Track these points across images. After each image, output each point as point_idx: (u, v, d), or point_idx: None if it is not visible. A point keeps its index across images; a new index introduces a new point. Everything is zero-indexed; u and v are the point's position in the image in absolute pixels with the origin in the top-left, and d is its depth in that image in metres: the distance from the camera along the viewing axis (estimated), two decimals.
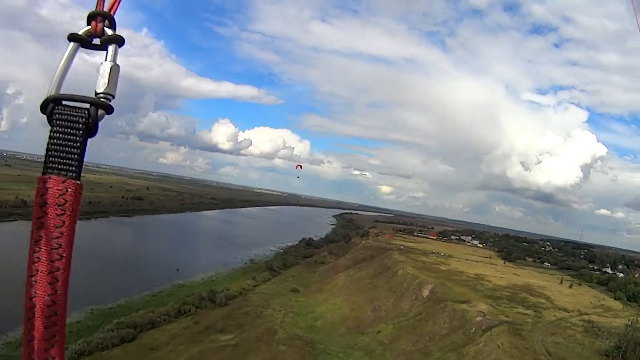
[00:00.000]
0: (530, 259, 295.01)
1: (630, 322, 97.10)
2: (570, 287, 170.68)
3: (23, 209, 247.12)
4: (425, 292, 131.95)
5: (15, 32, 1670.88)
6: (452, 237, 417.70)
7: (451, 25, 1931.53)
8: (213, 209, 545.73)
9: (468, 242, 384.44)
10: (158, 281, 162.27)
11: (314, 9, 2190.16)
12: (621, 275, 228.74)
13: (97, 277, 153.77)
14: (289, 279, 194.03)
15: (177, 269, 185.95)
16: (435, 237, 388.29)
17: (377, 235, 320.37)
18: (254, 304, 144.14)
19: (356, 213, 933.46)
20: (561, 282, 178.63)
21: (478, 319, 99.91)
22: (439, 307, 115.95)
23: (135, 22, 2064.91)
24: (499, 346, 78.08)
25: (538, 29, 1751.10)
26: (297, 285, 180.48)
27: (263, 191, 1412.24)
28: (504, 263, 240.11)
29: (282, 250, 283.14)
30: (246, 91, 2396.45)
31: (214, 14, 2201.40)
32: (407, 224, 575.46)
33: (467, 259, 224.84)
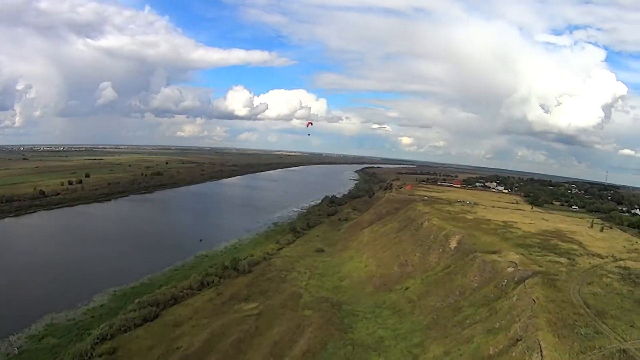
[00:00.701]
0: (558, 203, 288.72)
1: None
2: (602, 230, 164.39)
3: (42, 200, 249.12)
4: (453, 244, 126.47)
5: (18, 28, 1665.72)
6: (477, 184, 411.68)
7: None
8: (234, 176, 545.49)
9: (493, 189, 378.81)
10: (180, 254, 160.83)
11: None
12: None
13: (118, 258, 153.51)
14: (313, 239, 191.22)
15: (200, 240, 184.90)
16: (459, 186, 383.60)
17: (400, 188, 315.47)
18: (278, 269, 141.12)
19: (378, 167, 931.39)
20: (592, 226, 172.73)
21: (510, 270, 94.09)
22: (468, 259, 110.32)
23: (136, 1, 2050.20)
24: (534, 300, 72.72)
25: None
26: (322, 245, 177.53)
27: (283, 153, 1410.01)
28: (532, 208, 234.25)
29: (305, 211, 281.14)
30: (257, 56, 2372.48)
31: None
32: (430, 174, 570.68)
33: (493, 206, 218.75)
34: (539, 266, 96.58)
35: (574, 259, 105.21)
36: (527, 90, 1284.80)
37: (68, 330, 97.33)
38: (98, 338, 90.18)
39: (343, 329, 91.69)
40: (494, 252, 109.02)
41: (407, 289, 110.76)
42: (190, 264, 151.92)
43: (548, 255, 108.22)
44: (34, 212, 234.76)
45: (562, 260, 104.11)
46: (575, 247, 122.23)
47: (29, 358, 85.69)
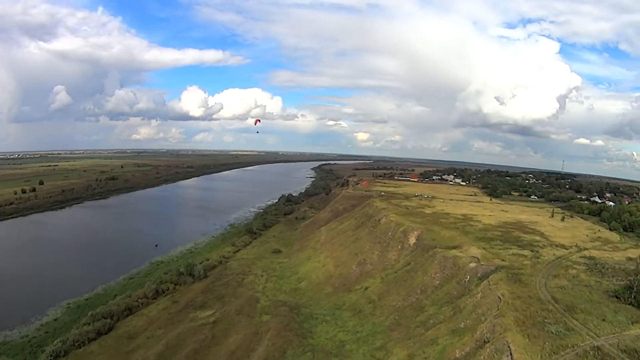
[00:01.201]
0: (517, 193, 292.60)
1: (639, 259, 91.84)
2: (563, 220, 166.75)
3: None
4: (412, 240, 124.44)
5: None
6: (434, 177, 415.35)
7: None
8: (190, 178, 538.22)
9: (451, 181, 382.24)
10: (135, 262, 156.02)
11: None
12: (611, 204, 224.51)
13: (72, 268, 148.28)
14: (269, 240, 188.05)
15: (156, 245, 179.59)
16: (416, 179, 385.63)
17: (357, 184, 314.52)
18: (235, 272, 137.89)
19: (335, 163, 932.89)
20: (552, 216, 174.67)
21: (472, 265, 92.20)
22: (428, 256, 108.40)
23: (89, 2, 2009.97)
24: (499, 297, 70.70)
25: None
26: (279, 246, 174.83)
27: (239, 153, 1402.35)
28: (491, 200, 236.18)
29: (261, 211, 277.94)
30: (211, 55, 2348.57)
31: None
32: (387, 169, 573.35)
33: (451, 199, 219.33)
34: (502, 260, 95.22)
35: (537, 251, 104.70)
36: (481, 83, 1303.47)
37: (22, 348, 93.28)
38: (52, 355, 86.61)
39: (302, 334, 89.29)
40: (454, 247, 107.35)
41: (366, 288, 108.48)
42: (145, 271, 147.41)
43: (511, 249, 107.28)
44: None
45: (526, 252, 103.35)
46: (537, 238, 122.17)
47: None
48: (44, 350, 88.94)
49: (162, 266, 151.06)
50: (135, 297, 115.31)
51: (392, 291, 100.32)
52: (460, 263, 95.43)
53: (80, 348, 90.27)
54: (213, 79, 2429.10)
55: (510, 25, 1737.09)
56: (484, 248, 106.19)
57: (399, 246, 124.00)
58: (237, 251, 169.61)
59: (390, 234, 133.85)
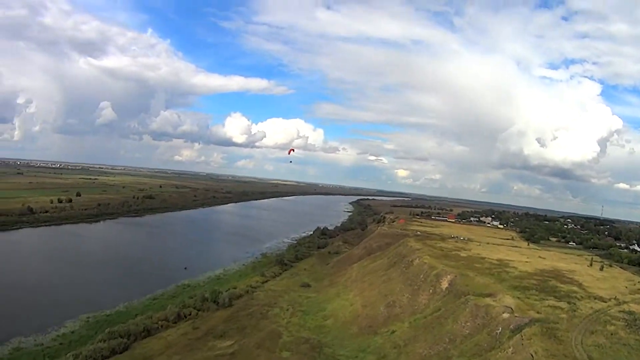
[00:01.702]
0: (554, 239, 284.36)
1: None
2: (601, 269, 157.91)
3: (29, 216, 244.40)
4: (444, 284, 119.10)
5: (20, 42, 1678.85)
6: (472, 218, 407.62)
7: (457, 4, 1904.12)
8: (227, 203, 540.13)
9: (488, 224, 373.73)
10: (162, 282, 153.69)
11: None
12: None
13: (97, 283, 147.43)
14: (300, 273, 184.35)
15: (185, 268, 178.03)
16: (453, 220, 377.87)
17: (393, 221, 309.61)
18: (260, 303, 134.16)
19: (373, 199, 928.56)
20: (591, 264, 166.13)
21: (505, 315, 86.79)
22: (459, 302, 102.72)
23: (139, 23, 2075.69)
24: (532, 355, 66.51)
25: (545, 3, 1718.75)
26: (309, 280, 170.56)
27: (279, 182, 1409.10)
28: (528, 245, 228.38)
29: (295, 242, 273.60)
30: (256, 83, 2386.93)
31: (218, 8, 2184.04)
32: (425, 207, 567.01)
33: (488, 243, 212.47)
34: (537, 312, 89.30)
35: (574, 303, 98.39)
36: (523, 124, 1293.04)
37: (34, 357, 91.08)
38: None
39: None
40: (488, 295, 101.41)
41: (393, 332, 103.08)
42: (170, 293, 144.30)
43: (547, 300, 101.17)
44: (20, 228, 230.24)
45: (562, 304, 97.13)
46: (575, 288, 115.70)
47: None
48: None
49: (188, 290, 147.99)
50: (155, 319, 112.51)
51: (420, 337, 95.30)
52: (493, 313, 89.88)
53: None
54: (257, 107, 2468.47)
55: (553, 66, 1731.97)
56: (518, 297, 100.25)
57: (431, 290, 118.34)
58: (266, 282, 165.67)
59: (422, 276, 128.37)
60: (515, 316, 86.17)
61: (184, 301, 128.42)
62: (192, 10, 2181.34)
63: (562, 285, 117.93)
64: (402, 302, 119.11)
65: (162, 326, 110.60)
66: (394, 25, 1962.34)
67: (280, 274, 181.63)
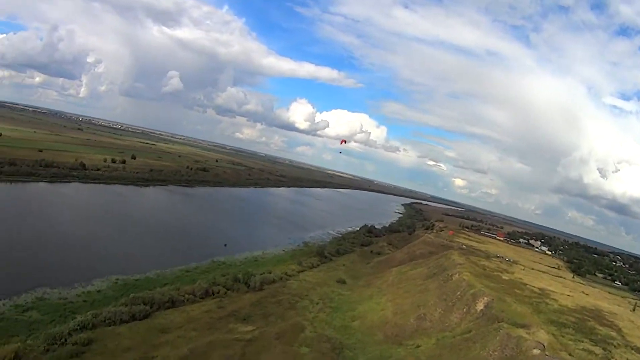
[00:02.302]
0: (601, 275, 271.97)
1: None
2: None
3: (80, 172, 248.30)
4: (480, 306, 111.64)
5: (95, 3, 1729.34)
6: (521, 240, 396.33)
7: (536, 20, 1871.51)
8: (280, 187, 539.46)
9: (537, 248, 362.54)
10: (198, 256, 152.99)
11: None
12: None
13: (132, 246, 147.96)
14: (338, 268, 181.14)
15: (225, 245, 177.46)
16: (502, 238, 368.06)
17: (441, 230, 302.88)
18: (291, 293, 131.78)
19: (426, 204, 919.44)
20: (634, 309, 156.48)
21: (535, 352, 79.82)
22: (491, 328, 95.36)
23: None
24: None
25: (625, 31, 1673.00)
26: (345, 276, 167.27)
27: (335, 173, 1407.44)
28: (573, 277, 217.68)
29: (340, 236, 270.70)
30: (326, 73, 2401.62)
31: None
32: (476, 221, 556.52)
33: (533, 268, 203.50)
34: (570, 354, 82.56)
35: (610, 351, 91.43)
36: (587, 151, 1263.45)
37: (55, 309, 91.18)
38: (79, 325, 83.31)
39: None
40: (522, 326, 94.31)
41: (418, 347, 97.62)
42: (204, 267, 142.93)
43: (582, 341, 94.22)
44: (69, 182, 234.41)
45: (597, 350, 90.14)
46: (613, 334, 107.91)
47: (4, 327, 79.81)
48: (75, 318, 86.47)
49: (223, 267, 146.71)
50: (183, 292, 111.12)
51: (444, 356, 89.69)
52: (524, 346, 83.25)
53: (109, 326, 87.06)
54: (323, 95, 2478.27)
55: (625, 96, 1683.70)
56: (553, 334, 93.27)
57: (465, 309, 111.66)
58: (302, 271, 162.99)
59: (458, 293, 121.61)
60: (546, 355, 79.53)
61: (214, 278, 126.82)
62: None
63: (600, 328, 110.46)
64: (434, 316, 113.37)
65: (187, 300, 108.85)
66: (470, 33, 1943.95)
67: (318, 265, 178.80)
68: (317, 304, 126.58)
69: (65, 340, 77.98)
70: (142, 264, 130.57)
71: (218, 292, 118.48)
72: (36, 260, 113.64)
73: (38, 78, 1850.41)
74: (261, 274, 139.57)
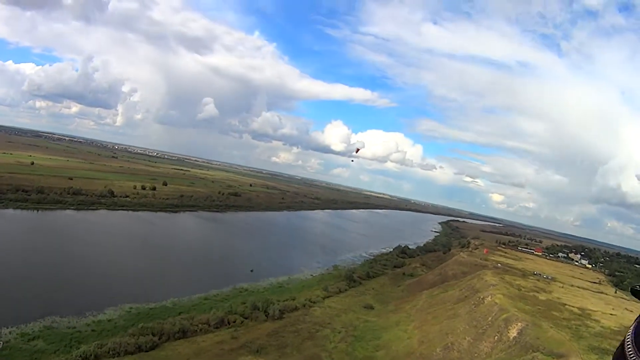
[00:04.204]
0: None
1: None
2: None
3: (108, 199, 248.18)
4: (513, 333, 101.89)
5: (129, 34, 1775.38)
6: (560, 254, 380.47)
7: (566, 28, 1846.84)
8: (314, 209, 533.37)
9: (577, 262, 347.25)
10: (220, 283, 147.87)
11: (425, 11, 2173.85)
12: None
13: (152, 273, 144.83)
14: (367, 292, 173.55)
15: (251, 270, 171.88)
16: (540, 254, 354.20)
17: (476, 248, 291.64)
18: (313, 321, 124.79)
19: (464, 221, 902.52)
20: None
21: None
22: (526, 359, 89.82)
23: (247, 25, 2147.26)
24: None
25: None
26: (373, 301, 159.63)
27: (372, 194, 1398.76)
28: (615, 292, 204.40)
29: (372, 258, 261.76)
30: (360, 94, 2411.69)
31: (325, 16, 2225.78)
32: (514, 236, 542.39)
33: (572, 285, 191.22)
34: None
35: None
36: (624, 157, 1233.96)
37: (61, 339, 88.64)
38: (81, 356, 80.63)
39: None
40: (559, 357, 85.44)
41: None
42: (224, 294, 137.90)
43: None
44: (96, 209, 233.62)
45: None
46: None
47: (7, 355, 78.45)
48: (79, 348, 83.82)
49: (244, 294, 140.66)
50: (196, 321, 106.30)
51: None
52: None
53: (113, 358, 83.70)
54: (358, 116, 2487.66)
55: None
56: None
57: (496, 337, 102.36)
58: (327, 297, 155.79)
59: (490, 319, 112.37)
60: None
61: (231, 306, 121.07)
62: (299, 16, 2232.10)
63: None
64: (462, 345, 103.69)
65: (200, 330, 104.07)
66: (500, 45, 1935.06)
67: (346, 290, 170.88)
68: (339, 332, 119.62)
69: None
70: (159, 291, 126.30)
71: (234, 322, 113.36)
72: (50, 288, 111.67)
73: (75, 108, 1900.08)
74: (283, 301, 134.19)
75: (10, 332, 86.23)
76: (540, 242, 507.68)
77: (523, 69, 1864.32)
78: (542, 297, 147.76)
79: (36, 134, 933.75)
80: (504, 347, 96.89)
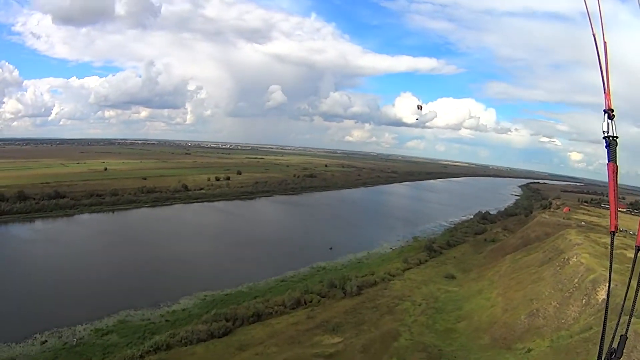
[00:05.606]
0: None
1: None
2: None
3: (182, 193, 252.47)
4: (602, 295, 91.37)
5: (185, 34, 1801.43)
6: None
7: None
8: (391, 183, 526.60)
9: None
10: (296, 263, 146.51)
11: None
12: None
13: (229, 260, 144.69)
14: (447, 261, 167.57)
15: (330, 248, 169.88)
16: (624, 210, 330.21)
17: (557, 208, 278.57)
18: (392, 295, 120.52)
19: (544, 183, 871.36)
20: None
21: None
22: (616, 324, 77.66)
23: (302, 9, 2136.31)
24: None
25: None
26: (455, 270, 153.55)
27: (449, 163, 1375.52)
28: None
29: (452, 226, 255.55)
30: (425, 63, 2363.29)
31: None
32: (596, 194, 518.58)
33: None
34: None
35: None
36: None
37: (135, 331, 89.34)
38: (153, 346, 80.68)
39: None
40: None
41: (529, 351, 79.35)
42: (301, 275, 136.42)
43: None
44: (171, 204, 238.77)
45: None
46: None
47: (81, 351, 79.16)
48: (151, 338, 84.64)
49: (321, 273, 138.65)
50: (272, 303, 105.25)
51: None
52: None
53: (185, 346, 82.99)
54: (426, 86, 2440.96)
55: None
56: None
57: (583, 300, 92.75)
58: (408, 269, 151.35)
59: (576, 281, 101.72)
60: None
61: (307, 286, 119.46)
62: None
63: None
64: (548, 311, 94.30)
65: (276, 312, 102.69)
66: None
67: (426, 261, 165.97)
68: (420, 305, 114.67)
69: None
70: (235, 277, 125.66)
71: (310, 301, 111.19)
72: (124, 283, 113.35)
73: (144, 112, 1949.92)
74: (362, 277, 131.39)
75: (84, 329, 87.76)
76: (623, 198, 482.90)
77: (586, 18, 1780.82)
78: (630, 254, 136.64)
79: (108, 142, 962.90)
80: (593, 310, 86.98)
